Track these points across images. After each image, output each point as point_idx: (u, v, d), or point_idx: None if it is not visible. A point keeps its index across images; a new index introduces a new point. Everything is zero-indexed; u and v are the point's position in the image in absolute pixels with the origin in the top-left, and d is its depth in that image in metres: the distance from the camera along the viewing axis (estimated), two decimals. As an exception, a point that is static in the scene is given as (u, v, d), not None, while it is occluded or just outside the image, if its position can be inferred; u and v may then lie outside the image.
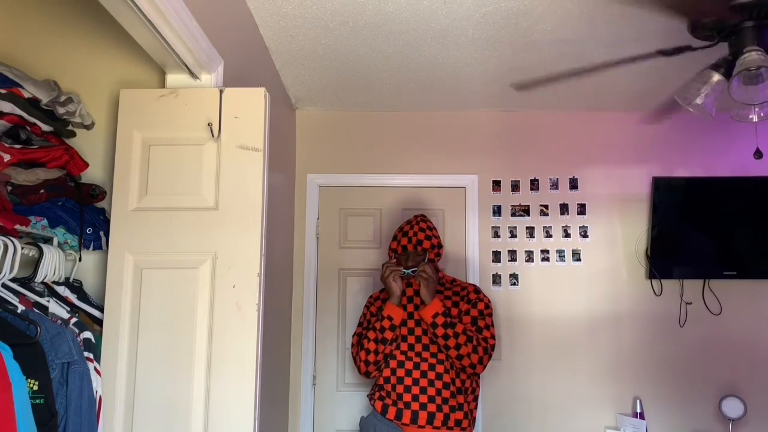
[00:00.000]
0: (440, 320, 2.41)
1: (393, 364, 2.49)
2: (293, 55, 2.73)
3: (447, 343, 2.40)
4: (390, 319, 2.49)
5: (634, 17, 2.34)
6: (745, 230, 3.24)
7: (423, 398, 2.42)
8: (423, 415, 2.40)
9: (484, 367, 2.43)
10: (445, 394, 2.42)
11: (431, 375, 2.43)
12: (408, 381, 2.44)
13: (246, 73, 2.31)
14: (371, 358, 2.49)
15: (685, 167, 3.40)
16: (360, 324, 2.67)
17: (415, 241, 2.56)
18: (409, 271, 2.51)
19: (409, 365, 2.46)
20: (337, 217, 3.43)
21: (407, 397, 2.43)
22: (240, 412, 1.69)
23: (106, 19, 1.69)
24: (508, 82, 3.03)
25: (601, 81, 3.00)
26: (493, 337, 2.49)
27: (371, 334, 2.49)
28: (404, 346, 2.49)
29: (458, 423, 2.41)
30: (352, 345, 2.60)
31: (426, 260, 2.54)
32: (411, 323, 2.52)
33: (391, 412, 2.43)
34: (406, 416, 2.41)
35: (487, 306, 2.55)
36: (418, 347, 2.48)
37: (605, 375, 3.27)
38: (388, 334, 2.48)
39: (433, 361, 2.45)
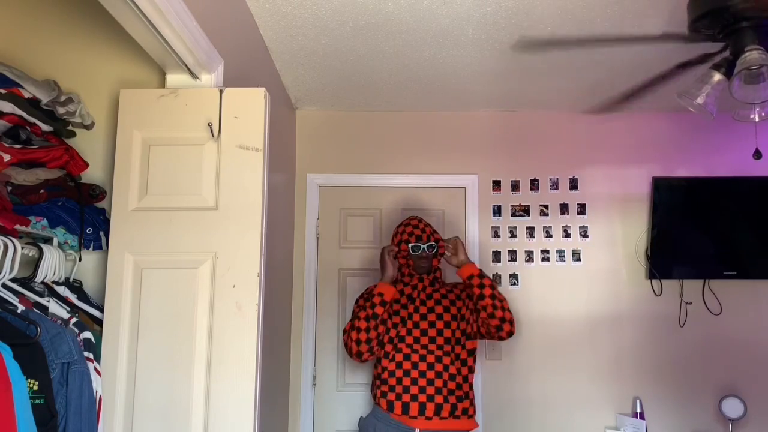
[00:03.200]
0: (476, 281, 2.50)
1: (398, 357, 2.50)
2: (293, 55, 2.73)
3: (482, 292, 2.46)
4: (380, 295, 2.52)
5: (634, 17, 2.34)
6: (745, 230, 3.24)
7: (430, 390, 2.44)
8: (431, 407, 2.42)
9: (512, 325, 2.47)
10: (451, 385, 2.46)
11: (438, 367, 2.46)
12: (414, 373, 2.46)
13: (246, 73, 2.31)
14: (362, 336, 2.47)
15: (685, 167, 3.40)
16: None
17: (429, 232, 2.63)
18: (425, 245, 2.59)
19: (415, 357, 2.48)
20: (337, 217, 3.43)
21: (414, 390, 2.44)
22: (240, 412, 1.69)
23: (106, 19, 1.70)
24: (509, 83, 3.03)
25: (601, 81, 3.00)
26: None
27: (362, 314, 2.51)
28: (410, 339, 2.51)
29: (465, 411, 2.47)
30: (344, 331, 2.55)
31: (437, 253, 2.65)
32: (416, 317, 2.55)
33: (398, 407, 2.44)
34: (414, 409, 2.43)
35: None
36: (424, 340, 2.50)
37: (605, 375, 3.27)
38: (379, 309, 2.49)
39: (439, 353, 2.48)
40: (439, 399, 2.43)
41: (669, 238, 3.26)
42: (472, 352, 2.57)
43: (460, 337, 2.55)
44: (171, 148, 1.81)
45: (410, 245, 2.61)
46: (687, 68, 2.65)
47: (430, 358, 2.47)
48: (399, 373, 2.48)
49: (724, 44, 2.05)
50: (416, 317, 2.55)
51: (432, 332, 2.51)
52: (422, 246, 2.60)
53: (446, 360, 2.48)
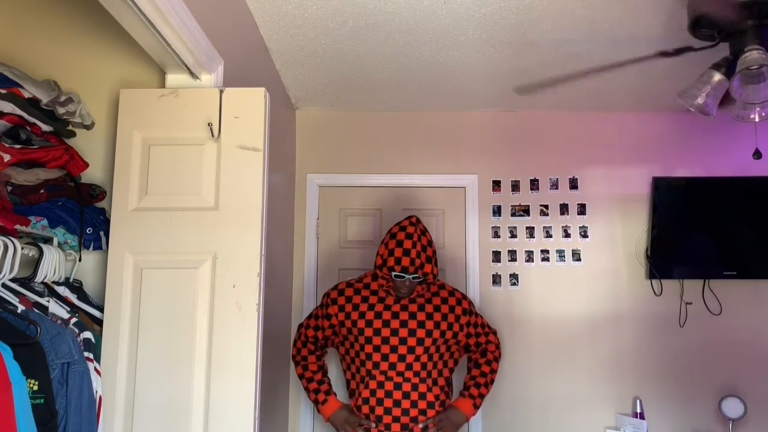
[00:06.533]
0: (477, 409, 2.45)
1: (372, 384, 2.33)
2: (293, 55, 2.73)
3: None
4: (317, 404, 2.44)
5: (634, 17, 2.34)
6: (745, 230, 3.24)
7: (405, 420, 2.31)
8: None
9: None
10: (431, 413, 2.33)
11: (414, 396, 2.32)
12: (388, 402, 2.31)
13: (246, 73, 2.31)
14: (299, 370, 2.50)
15: (685, 167, 3.40)
16: (312, 316, 2.52)
17: (418, 264, 2.26)
18: (410, 276, 2.27)
19: (389, 386, 2.31)
20: (337, 217, 3.43)
21: (387, 419, 2.31)
22: (240, 412, 1.69)
23: (106, 19, 1.69)
24: (509, 83, 3.03)
25: (601, 81, 2.99)
26: (495, 334, 2.55)
27: (307, 375, 2.46)
28: (384, 366, 2.32)
29: None
30: (299, 336, 2.53)
31: (424, 282, 2.33)
32: (394, 340, 2.33)
33: None
34: None
35: (471, 312, 2.49)
36: (401, 366, 2.32)
37: (605, 375, 3.27)
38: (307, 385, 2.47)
39: (416, 380, 2.32)
40: (417, 431, 2.31)
41: (669, 238, 3.26)
42: (452, 370, 2.47)
43: (437, 361, 2.37)
44: (171, 148, 1.81)
45: (393, 273, 2.28)
46: (666, 57, 2.61)
47: (406, 387, 2.31)
48: (373, 401, 2.32)
49: (712, 43, 2.05)
50: (394, 341, 2.33)
51: (410, 358, 2.32)
52: (407, 277, 2.28)
53: (423, 387, 2.32)
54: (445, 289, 2.50)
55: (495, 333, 2.57)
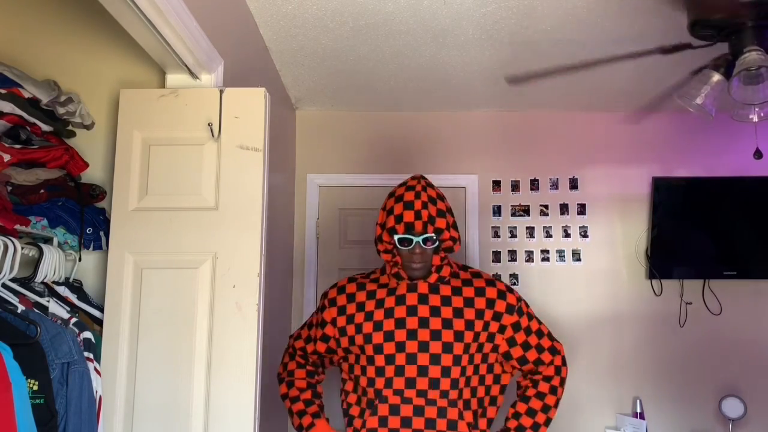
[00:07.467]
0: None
1: (383, 410, 1.69)
2: (293, 55, 2.73)
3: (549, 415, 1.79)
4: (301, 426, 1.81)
5: (634, 17, 2.34)
6: (745, 230, 3.24)
7: None
8: None
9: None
10: None
11: (441, 424, 1.66)
12: None
13: (246, 73, 2.31)
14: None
15: (685, 167, 3.40)
16: (305, 324, 1.96)
17: (425, 217, 1.66)
18: (419, 239, 1.66)
19: (407, 411, 1.67)
20: (337, 217, 3.43)
21: None
22: (240, 412, 1.69)
23: (106, 19, 1.70)
24: (504, 77, 3.03)
25: (601, 81, 3.00)
26: (559, 352, 1.82)
27: (291, 394, 1.85)
28: (399, 382, 1.68)
29: None
30: (286, 349, 1.97)
31: (439, 247, 1.73)
32: (412, 346, 1.69)
33: None
34: None
35: (521, 311, 1.79)
36: (422, 383, 1.67)
37: (605, 375, 3.27)
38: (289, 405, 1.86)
39: (443, 403, 1.67)
40: None
41: (669, 238, 3.26)
42: (499, 387, 1.81)
43: (472, 375, 1.71)
44: (171, 148, 1.81)
45: (396, 237, 1.68)
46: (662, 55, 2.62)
47: (431, 412, 1.66)
48: None
49: (710, 43, 2.05)
50: (411, 346, 1.68)
51: (435, 371, 1.66)
52: (415, 240, 1.67)
53: (453, 413, 1.67)
54: (482, 277, 1.80)
55: (559, 345, 1.84)
